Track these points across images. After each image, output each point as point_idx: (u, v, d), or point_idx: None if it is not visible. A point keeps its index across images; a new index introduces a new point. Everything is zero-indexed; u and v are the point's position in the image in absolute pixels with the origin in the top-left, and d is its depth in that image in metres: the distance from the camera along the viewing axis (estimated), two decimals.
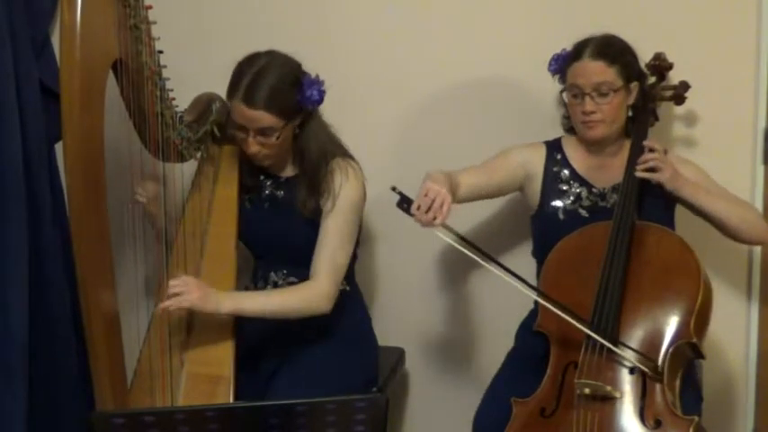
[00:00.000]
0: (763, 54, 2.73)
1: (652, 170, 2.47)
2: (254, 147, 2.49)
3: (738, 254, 2.83)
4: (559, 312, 2.31)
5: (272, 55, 2.49)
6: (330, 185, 2.53)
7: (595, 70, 2.48)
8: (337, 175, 2.53)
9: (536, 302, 2.49)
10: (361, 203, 2.58)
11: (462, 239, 2.30)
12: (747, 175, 2.79)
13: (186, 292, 2.35)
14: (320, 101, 2.50)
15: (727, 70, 2.75)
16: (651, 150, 2.50)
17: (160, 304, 2.36)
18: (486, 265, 2.33)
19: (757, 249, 2.83)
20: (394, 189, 2.31)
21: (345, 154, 2.60)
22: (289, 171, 2.63)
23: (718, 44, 2.75)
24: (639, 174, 2.48)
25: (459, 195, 2.54)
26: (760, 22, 2.72)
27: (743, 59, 2.74)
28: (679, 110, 2.77)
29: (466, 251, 2.31)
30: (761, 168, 2.78)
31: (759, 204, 2.79)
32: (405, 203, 2.30)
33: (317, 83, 2.49)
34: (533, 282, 2.49)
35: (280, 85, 2.45)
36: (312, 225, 2.55)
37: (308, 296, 2.51)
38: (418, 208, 2.28)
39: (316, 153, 2.54)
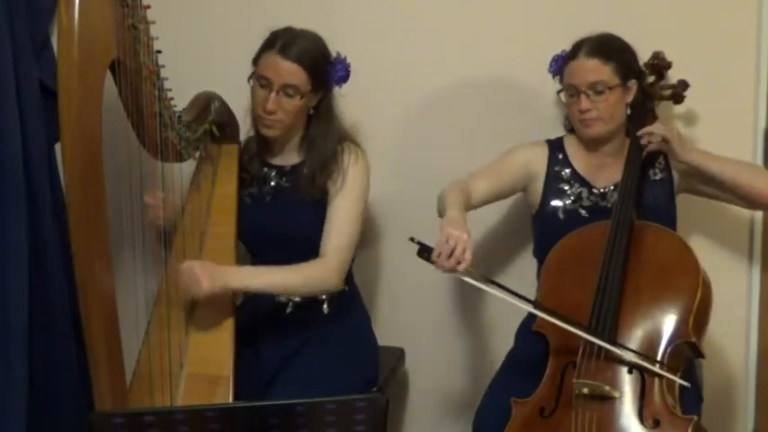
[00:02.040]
0: (763, 54, 2.73)
1: (662, 141, 2.48)
2: (272, 104, 2.50)
3: (739, 254, 2.83)
4: (557, 322, 2.31)
5: (305, 30, 2.57)
6: (340, 165, 2.56)
7: (590, 68, 2.48)
8: (347, 155, 2.57)
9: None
10: (367, 187, 2.61)
11: (489, 281, 2.29)
12: None
13: (194, 284, 2.37)
14: (346, 79, 2.58)
15: (727, 70, 2.75)
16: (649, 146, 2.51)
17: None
18: (519, 303, 2.32)
19: (757, 250, 2.82)
20: (412, 240, 2.30)
21: (354, 141, 2.63)
22: (293, 159, 2.64)
23: (719, 44, 2.74)
24: (646, 142, 2.49)
25: (473, 203, 2.55)
26: (760, 21, 2.71)
27: (743, 59, 2.74)
28: (679, 109, 2.77)
29: (495, 292, 2.30)
30: None
31: None
32: (425, 252, 2.27)
33: (345, 63, 2.57)
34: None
35: (314, 50, 2.54)
36: (316, 211, 2.56)
37: (317, 273, 2.52)
38: (439, 255, 2.26)
39: (329, 137, 2.57)
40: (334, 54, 2.58)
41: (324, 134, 2.58)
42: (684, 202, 2.66)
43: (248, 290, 2.52)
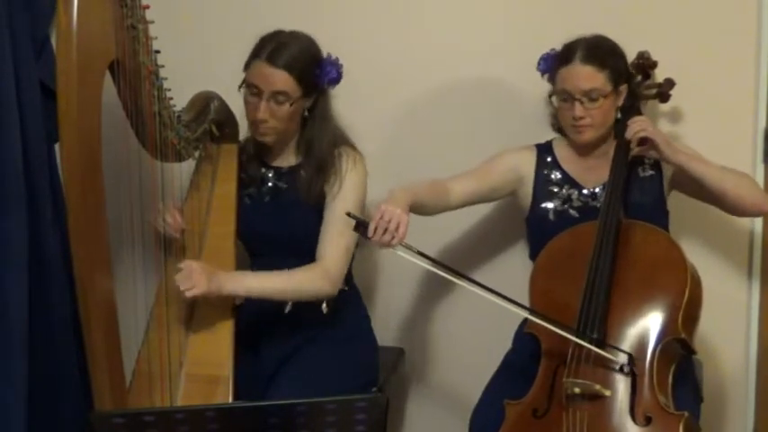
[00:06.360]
0: (763, 54, 2.73)
1: (644, 141, 2.47)
2: (263, 112, 2.50)
3: (739, 253, 2.83)
4: (540, 321, 2.31)
5: (295, 33, 2.55)
6: (337, 169, 2.55)
7: (585, 76, 2.47)
8: (344, 160, 2.56)
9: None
10: (364, 191, 2.60)
11: (423, 256, 2.29)
12: None
13: (195, 284, 2.36)
14: (338, 80, 2.56)
15: (727, 70, 2.75)
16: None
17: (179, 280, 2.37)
18: (454, 279, 2.33)
19: (758, 250, 2.82)
20: (349, 214, 2.32)
21: (352, 145, 2.62)
22: (291, 160, 2.64)
23: (719, 43, 2.75)
24: (634, 147, 2.48)
25: (452, 202, 2.56)
26: (760, 20, 2.72)
27: (743, 59, 2.74)
28: (679, 110, 2.77)
29: (430, 267, 2.30)
30: (761, 168, 2.78)
31: None
32: (361, 227, 2.28)
33: (337, 64, 2.55)
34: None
35: (302, 55, 2.51)
36: (315, 214, 2.56)
37: (312, 277, 2.51)
38: (375, 230, 2.26)
39: (325, 138, 2.57)
40: (325, 53, 2.57)
41: (319, 135, 2.57)
42: (684, 205, 2.66)
43: (241, 295, 2.50)
